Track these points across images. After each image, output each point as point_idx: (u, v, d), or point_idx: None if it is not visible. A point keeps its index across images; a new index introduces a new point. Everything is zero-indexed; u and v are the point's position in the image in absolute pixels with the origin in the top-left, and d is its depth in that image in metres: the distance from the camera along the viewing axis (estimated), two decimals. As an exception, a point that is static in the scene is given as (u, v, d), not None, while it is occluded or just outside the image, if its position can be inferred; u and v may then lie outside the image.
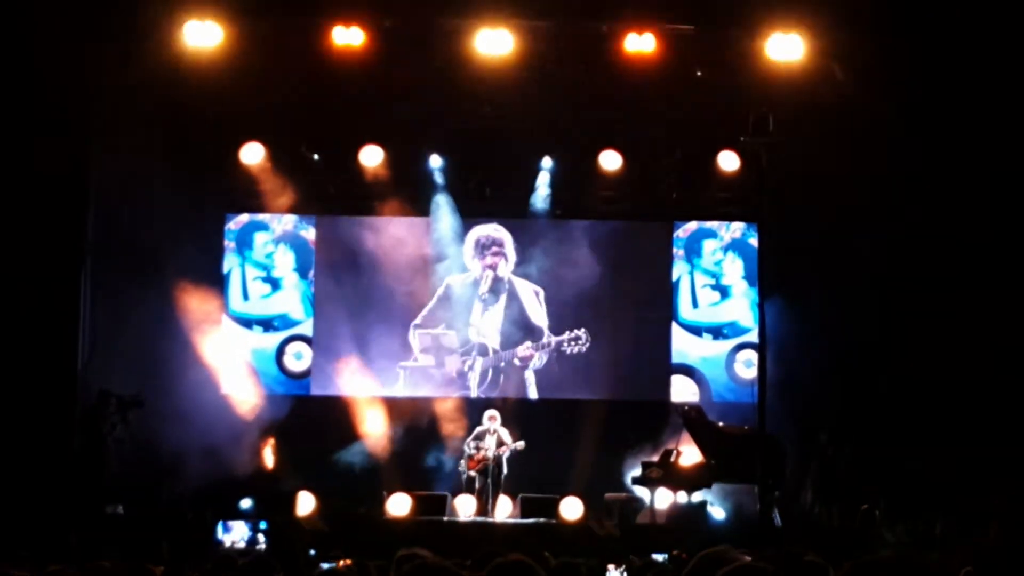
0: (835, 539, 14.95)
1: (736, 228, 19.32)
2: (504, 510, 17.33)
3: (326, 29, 16.82)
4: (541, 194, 18.98)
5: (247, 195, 18.98)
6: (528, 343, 18.97)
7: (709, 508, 16.69)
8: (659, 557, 12.88)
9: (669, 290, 19.22)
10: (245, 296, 19.23)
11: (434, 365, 18.95)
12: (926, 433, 17.02)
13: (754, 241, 18.99)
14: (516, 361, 18.99)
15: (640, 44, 16.73)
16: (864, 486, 16.45)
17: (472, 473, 17.13)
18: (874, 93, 16.75)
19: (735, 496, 16.99)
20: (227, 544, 15.37)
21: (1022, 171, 17.02)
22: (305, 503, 17.11)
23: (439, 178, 18.88)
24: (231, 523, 15.86)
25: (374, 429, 18.39)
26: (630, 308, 19.04)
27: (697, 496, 16.23)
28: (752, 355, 18.56)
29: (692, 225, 19.36)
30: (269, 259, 19.27)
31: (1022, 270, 17.11)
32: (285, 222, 19.30)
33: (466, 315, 19.01)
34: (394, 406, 18.68)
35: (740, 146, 18.23)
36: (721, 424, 16.67)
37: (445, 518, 17.04)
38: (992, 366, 17.04)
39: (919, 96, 16.83)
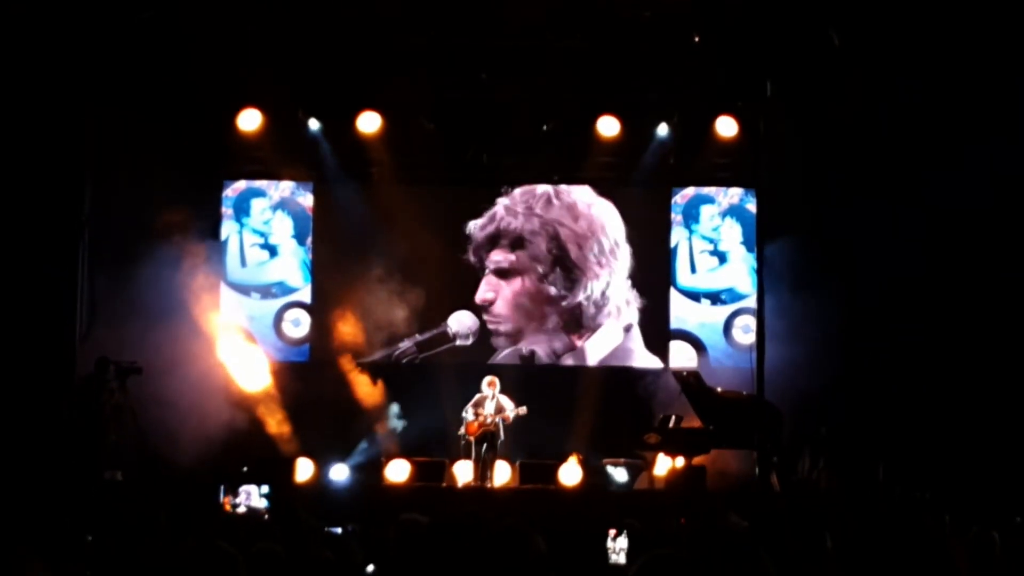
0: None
1: (734, 194, 19.28)
2: (502, 476, 17.38)
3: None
4: (539, 160, 18.93)
5: (244, 162, 18.97)
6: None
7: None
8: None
9: (667, 256, 19.22)
10: (243, 263, 19.21)
11: (431, 331, 18.94)
12: (924, 400, 17.07)
13: (752, 207, 18.97)
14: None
15: (636, 9, 16.68)
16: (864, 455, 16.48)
17: (471, 439, 17.13)
18: (871, 58, 16.72)
19: (734, 462, 17.04)
20: (227, 510, 15.38)
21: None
22: (304, 469, 17.18)
23: (435, 145, 18.80)
24: (231, 489, 15.87)
25: (372, 395, 18.41)
26: (629, 274, 19.05)
27: (696, 462, 16.25)
28: (750, 320, 18.56)
29: (690, 191, 19.33)
30: (267, 226, 19.24)
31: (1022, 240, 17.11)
32: (282, 189, 19.28)
33: (464, 283, 19.01)
34: (392, 372, 18.70)
35: (738, 112, 18.30)
36: (719, 389, 16.69)
37: (444, 484, 17.12)
38: (993, 333, 17.04)
39: (918, 60, 16.78)
